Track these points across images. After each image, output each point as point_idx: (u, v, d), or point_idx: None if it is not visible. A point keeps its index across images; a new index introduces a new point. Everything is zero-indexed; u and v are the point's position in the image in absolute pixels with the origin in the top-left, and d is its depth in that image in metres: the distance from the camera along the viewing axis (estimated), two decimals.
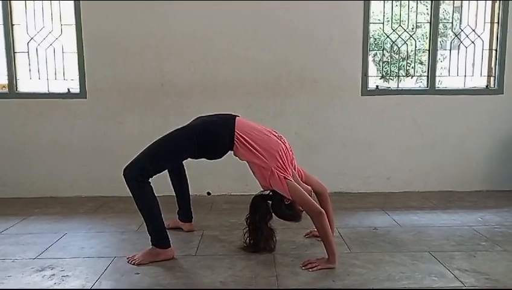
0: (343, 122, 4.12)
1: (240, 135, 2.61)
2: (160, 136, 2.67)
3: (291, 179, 2.60)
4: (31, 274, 2.45)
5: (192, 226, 3.16)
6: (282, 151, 2.61)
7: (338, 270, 2.46)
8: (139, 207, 2.60)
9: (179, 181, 3.08)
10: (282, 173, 2.57)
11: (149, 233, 2.64)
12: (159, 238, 2.63)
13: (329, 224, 2.62)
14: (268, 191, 2.71)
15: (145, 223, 2.63)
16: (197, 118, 2.81)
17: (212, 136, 2.64)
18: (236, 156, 2.70)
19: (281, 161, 2.59)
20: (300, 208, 2.64)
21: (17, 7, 4.03)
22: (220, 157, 2.76)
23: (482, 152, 4.21)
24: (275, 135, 2.70)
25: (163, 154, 2.64)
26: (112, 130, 4.07)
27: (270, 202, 2.72)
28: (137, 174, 2.55)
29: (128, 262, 2.59)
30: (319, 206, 2.58)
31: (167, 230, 2.70)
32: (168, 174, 3.02)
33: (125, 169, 2.58)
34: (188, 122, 2.77)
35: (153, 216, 2.61)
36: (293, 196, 2.57)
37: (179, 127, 2.70)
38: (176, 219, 3.17)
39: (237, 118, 2.71)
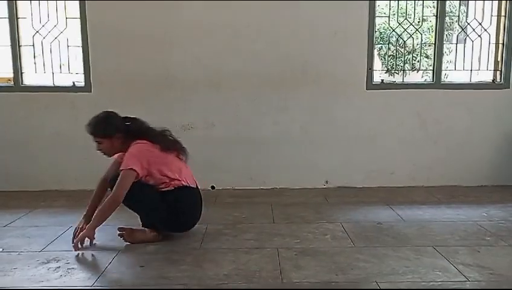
0: (348, 116, 4.10)
1: None
2: None
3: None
4: (37, 266, 2.47)
5: None
6: None
7: (342, 264, 2.47)
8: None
9: None
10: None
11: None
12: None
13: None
14: None
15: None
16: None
17: None
18: None
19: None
20: None
21: (22, 1, 4.02)
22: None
23: (488, 147, 4.19)
24: None
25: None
26: None
27: None
28: None
29: (118, 234, 2.78)
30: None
31: None
32: None
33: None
34: None
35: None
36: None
37: None
38: None
39: None
